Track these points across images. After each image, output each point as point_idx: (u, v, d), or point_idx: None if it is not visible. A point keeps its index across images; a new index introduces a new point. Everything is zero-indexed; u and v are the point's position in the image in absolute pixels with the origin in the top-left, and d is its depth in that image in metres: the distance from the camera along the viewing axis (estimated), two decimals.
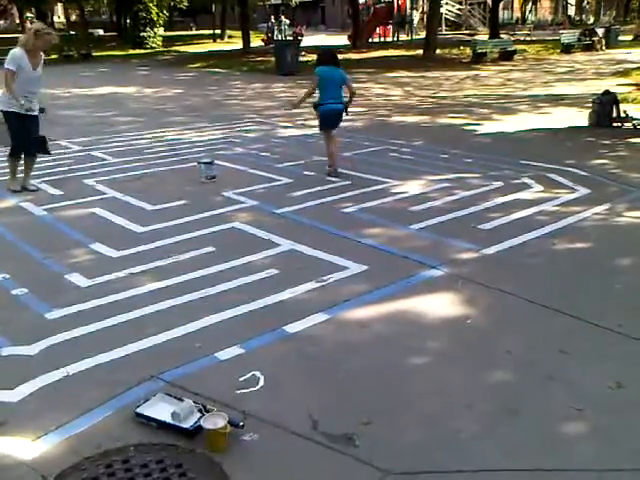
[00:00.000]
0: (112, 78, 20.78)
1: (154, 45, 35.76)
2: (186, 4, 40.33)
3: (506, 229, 5.24)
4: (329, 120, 7.02)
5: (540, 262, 4.60)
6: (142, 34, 35.68)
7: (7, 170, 6.95)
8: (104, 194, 6.58)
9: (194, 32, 51.28)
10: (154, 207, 6.07)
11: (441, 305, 3.95)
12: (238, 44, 32.99)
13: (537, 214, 5.60)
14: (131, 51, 34.07)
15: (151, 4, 35.55)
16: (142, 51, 34.04)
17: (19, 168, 6.85)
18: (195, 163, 7.40)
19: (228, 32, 41.91)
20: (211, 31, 42.64)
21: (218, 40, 40.91)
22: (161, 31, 37.63)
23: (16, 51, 6.31)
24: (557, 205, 5.84)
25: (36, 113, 6.56)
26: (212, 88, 17.39)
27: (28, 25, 6.32)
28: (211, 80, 19.76)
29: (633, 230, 5.22)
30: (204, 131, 10.40)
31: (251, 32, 32.62)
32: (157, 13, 36.03)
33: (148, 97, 15.70)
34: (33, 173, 6.98)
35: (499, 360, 3.32)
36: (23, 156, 6.82)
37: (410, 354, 3.42)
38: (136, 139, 9.77)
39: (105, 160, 8.26)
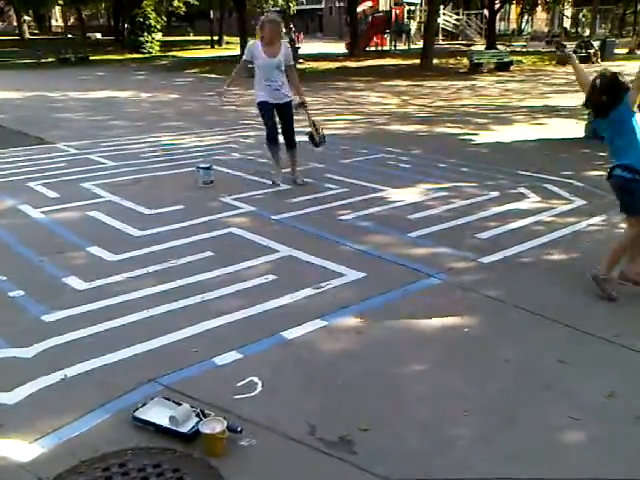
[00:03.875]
0: (109, 82, 20.78)
1: (152, 50, 35.83)
2: (184, 9, 40.41)
3: (503, 239, 5.26)
4: None
5: (537, 272, 4.62)
6: (140, 39, 35.74)
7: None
8: (101, 197, 6.57)
9: (192, 37, 51.41)
10: (151, 211, 6.07)
11: (439, 314, 3.95)
12: (236, 50, 33.03)
13: (534, 224, 5.63)
14: (129, 55, 34.09)
15: (149, 9, 35.65)
16: (140, 56, 34.08)
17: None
18: (193, 168, 7.41)
19: (226, 38, 42.05)
20: (209, 37, 42.72)
21: (216, 46, 41.02)
22: (159, 36, 37.71)
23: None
24: (553, 216, 5.87)
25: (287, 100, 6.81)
26: (209, 94, 17.39)
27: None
28: (208, 85, 19.77)
29: None
30: (202, 136, 10.41)
31: (250, 38, 32.68)
32: (155, 18, 36.12)
33: (145, 102, 15.72)
34: (28, 176, 6.97)
35: (497, 369, 3.33)
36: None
37: (408, 361, 3.42)
38: (133, 143, 9.78)
39: (102, 163, 8.26)
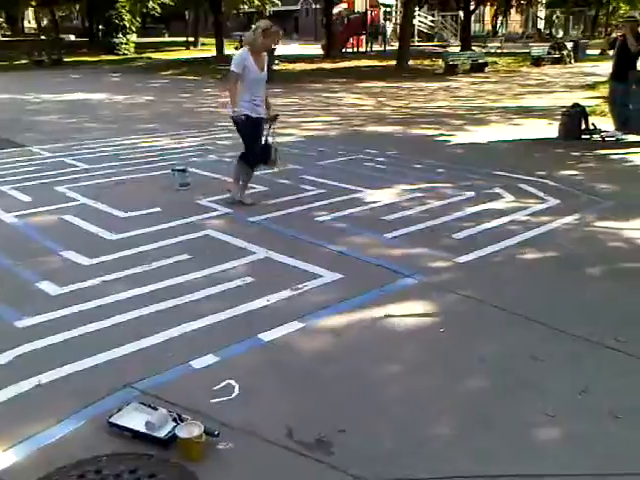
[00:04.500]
0: (84, 84, 20.58)
1: (126, 51, 35.54)
2: (159, 11, 40.16)
3: (478, 238, 5.31)
4: None
5: (512, 271, 4.67)
6: (114, 40, 35.44)
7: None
8: (75, 201, 6.50)
9: (167, 39, 51.07)
10: (127, 214, 6.01)
11: (415, 313, 3.97)
12: (212, 52, 32.94)
13: (509, 224, 5.68)
14: (103, 57, 33.77)
15: (124, 10, 35.35)
16: (114, 57, 33.78)
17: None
18: (168, 170, 7.36)
19: (201, 40, 41.82)
20: (184, 38, 42.50)
21: (191, 47, 40.78)
22: (134, 37, 37.42)
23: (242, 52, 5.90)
24: (528, 215, 5.93)
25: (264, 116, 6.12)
26: (185, 95, 17.33)
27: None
28: (184, 87, 19.69)
29: (602, 239, 5.32)
30: (177, 138, 10.35)
31: (225, 40, 32.61)
32: (130, 19, 35.83)
33: (120, 104, 15.58)
34: (3, 179, 6.87)
35: (473, 368, 3.36)
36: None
37: (384, 362, 3.44)
38: (108, 146, 9.69)
39: (76, 167, 8.17)
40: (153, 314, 3.92)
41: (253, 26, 6.03)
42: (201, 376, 3.26)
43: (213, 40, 32.70)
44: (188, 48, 40.64)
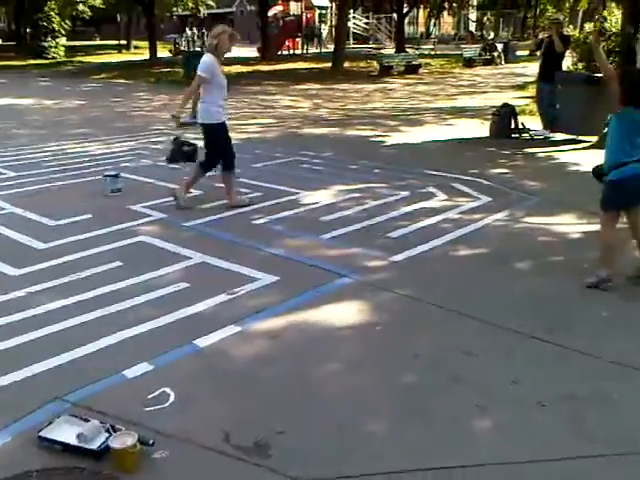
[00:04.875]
0: (10, 89, 19.86)
1: (56, 55, 34.46)
2: (90, 14, 39.18)
3: (413, 237, 5.39)
4: None
5: (445, 268, 4.77)
6: (43, 44, 34.34)
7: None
8: (2, 209, 6.27)
9: (98, 42, 49.88)
10: (56, 222, 5.84)
11: (351, 313, 4.01)
12: (145, 55, 32.35)
13: (442, 222, 5.80)
14: (31, 61, 32.64)
15: (52, 13, 34.32)
16: (43, 61, 32.70)
17: None
18: (99, 176, 7.19)
19: (134, 42, 41.03)
20: (116, 41, 41.63)
21: (124, 51, 39.97)
22: (63, 41, 36.33)
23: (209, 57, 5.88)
24: (461, 213, 6.07)
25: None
26: (117, 99, 16.97)
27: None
28: (116, 91, 19.27)
29: (530, 235, 5.49)
30: (109, 143, 10.12)
31: (159, 43, 32.09)
32: (59, 22, 34.81)
33: (49, 109, 15.12)
34: None
35: (408, 364, 3.41)
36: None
37: (321, 362, 3.45)
38: (36, 152, 9.38)
39: (3, 174, 7.88)
40: (84, 324, 3.82)
41: (213, 31, 6.01)
42: (134, 385, 3.20)
43: (146, 43, 32.11)
44: (120, 51, 39.81)
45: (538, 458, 2.67)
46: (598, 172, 4.45)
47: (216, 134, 6.06)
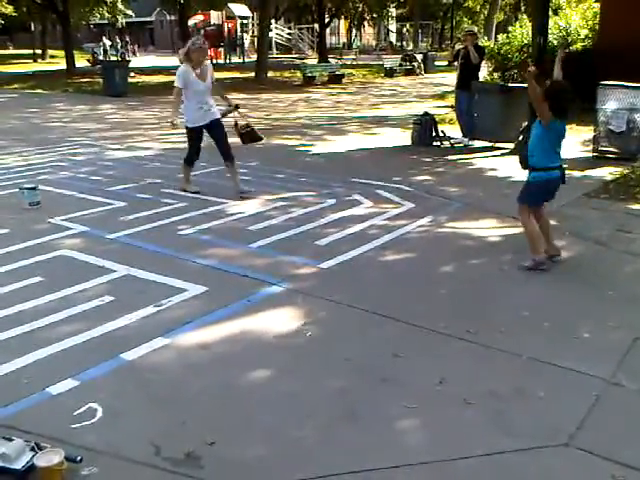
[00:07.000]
0: None
1: None
2: (2, 21, 37.68)
3: (341, 244, 5.46)
4: None
5: (373, 273, 4.85)
6: None
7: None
8: None
9: (12, 51, 48.04)
10: None
11: (281, 320, 4.02)
12: (61, 64, 31.39)
13: (368, 228, 5.90)
14: None
15: None
16: None
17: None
18: (16, 189, 6.92)
19: (50, 52, 39.79)
20: (31, 50, 40.21)
21: (39, 60, 38.69)
22: None
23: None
24: (386, 219, 6.19)
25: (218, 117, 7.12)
26: (33, 110, 16.36)
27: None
28: (32, 102, 18.59)
29: (453, 239, 5.66)
30: (25, 155, 9.74)
31: (76, 52, 31.20)
32: None
33: None
34: None
35: (338, 368, 3.45)
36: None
37: (252, 371, 3.44)
38: None
39: None
40: (3, 341, 3.67)
41: (189, 43, 6.96)
42: (60, 402, 3.10)
43: (63, 52, 31.17)
44: (35, 60, 38.51)
45: (467, 454, 2.75)
46: (525, 159, 4.88)
47: (190, 135, 7.15)
